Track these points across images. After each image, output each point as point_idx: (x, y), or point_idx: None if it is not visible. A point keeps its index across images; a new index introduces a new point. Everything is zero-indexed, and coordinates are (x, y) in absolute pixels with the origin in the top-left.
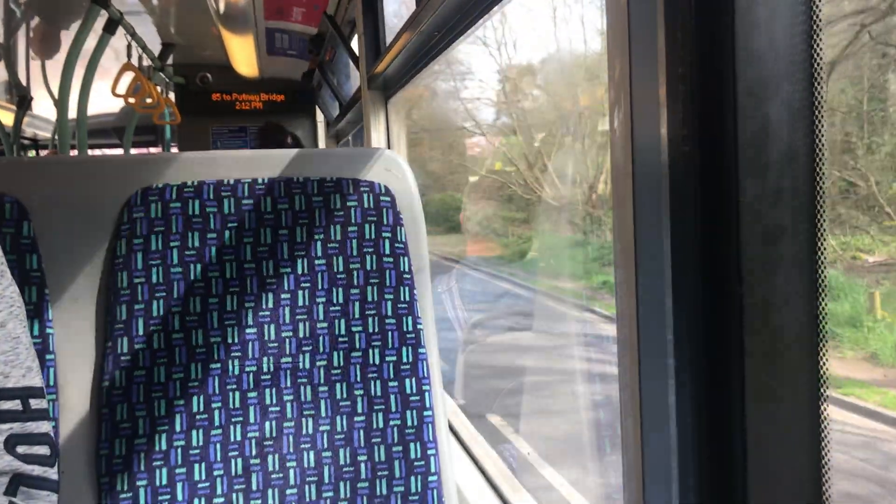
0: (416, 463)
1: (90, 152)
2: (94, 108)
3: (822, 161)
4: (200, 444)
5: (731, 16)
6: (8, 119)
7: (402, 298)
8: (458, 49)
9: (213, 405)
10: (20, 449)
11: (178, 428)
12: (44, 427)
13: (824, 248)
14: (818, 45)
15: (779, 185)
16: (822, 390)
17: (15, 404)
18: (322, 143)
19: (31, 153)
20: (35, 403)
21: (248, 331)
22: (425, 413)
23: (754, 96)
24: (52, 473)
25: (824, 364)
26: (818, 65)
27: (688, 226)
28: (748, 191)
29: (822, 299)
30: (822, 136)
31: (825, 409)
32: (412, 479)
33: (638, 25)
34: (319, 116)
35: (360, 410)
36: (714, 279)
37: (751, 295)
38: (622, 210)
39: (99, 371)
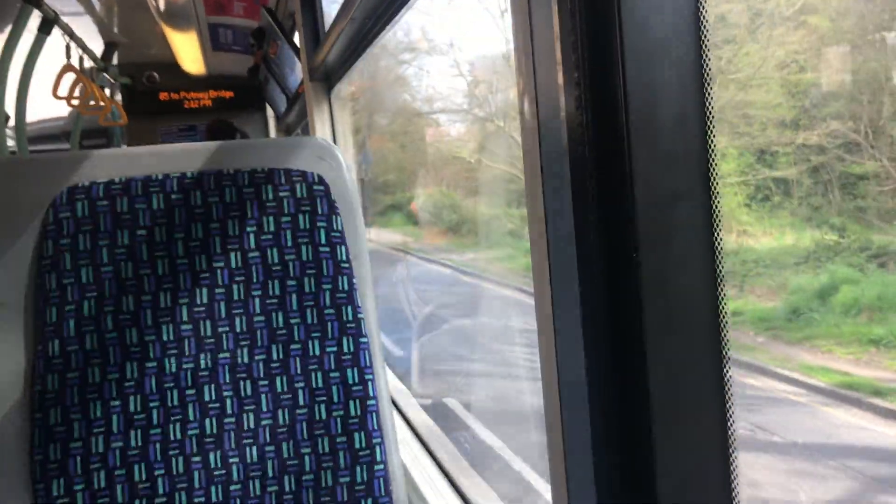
0: (360, 453)
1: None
2: (39, 113)
3: (713, 124)
4: (139, 444)
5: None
6: None
7: (340, 288)
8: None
9: (151, 404)
10: None
11: (115, 429)
12: None
13: (719, 212)
14: (703, 9)
15: (671, 151)
16: (724, 353)
17: None
18: (273, 138)
19: None
20: None
21: (183, 327)
22: (369, 402)
23: (641, 63)
24: None
25: (724, 327)
26: (704, 28)
27: (588, 199)
28: (640, 158)
29: (719, 263)
30: (712, 99)
31: (727, 372)
32: (357, 468)
33: (538, 20)
34: (270, 111)
35: (301, 403)
36: (613, 248)
37: (648, 261)
38: (533, 190)
39: (30, 375)
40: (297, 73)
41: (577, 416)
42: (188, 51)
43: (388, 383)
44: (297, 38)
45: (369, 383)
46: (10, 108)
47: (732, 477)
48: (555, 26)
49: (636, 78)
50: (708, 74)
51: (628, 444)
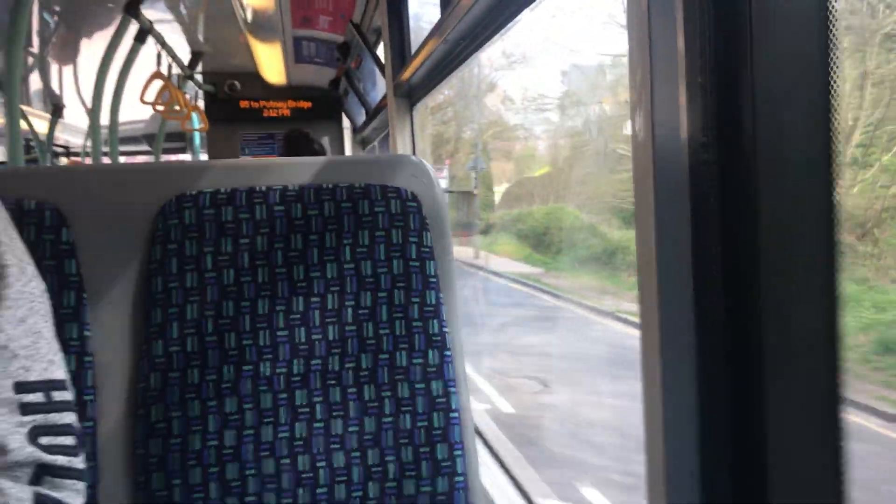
0: (443, 464)
1: (121, 159)
2: (125, 116)
3: (838, 165)
4: (233, 443)
5: (747, 22)
6: (42, 127)
7: (428, 302)
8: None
9: (246, 406)
10: (44, 440)
11: (211, 428)
12: (67, 418)
13: (840, 252)
14: (834, 50)
15: (796, 190)
16: (838, 393)
17: (38, 397)
18: (348, 149)
19: (63, 160)
20: (58, 395)
21: (279, 333)
22: (451, 415)
23: (772, 101)
24: (77, 462)
25: (841, 367)
26: (834, 68)
27: (708, 230)
28: (767, 195)
29: (839, 303)
30: (838, 140)
31: (842, 414)
32: (439, 479)
33: (658, 32)
34: (346, 123)
35: (387, 412)
36: (733, 283)
37: (769, 299)
38: (644, 214)
39: (135, 373)
40: (378, 87)
41: (683, 448)
42: (271, 61)
43: (470, 397)
44: (380, 53)
45: (452, 396)
46: (104, 112)
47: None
48: (678, 34)
49: (767, 115)
50: (836, 116)
51: (739, 482)
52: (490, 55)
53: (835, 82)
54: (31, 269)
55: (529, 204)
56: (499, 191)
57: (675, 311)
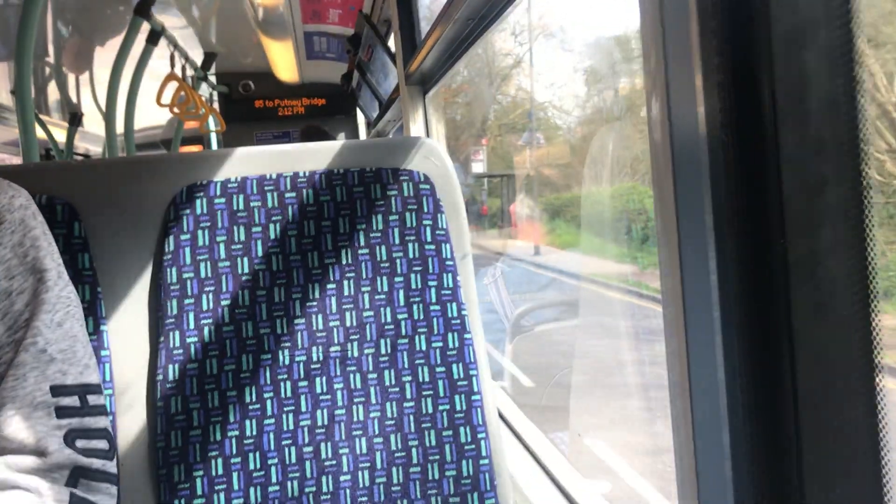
0: (466, 447)
1: None
2: (141, 122)
3: (864, 109)
4: (254, 433)
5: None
6: (61, 136)
7: (445, 285)
8: None
9: (265, 395)
10: (80, 443)
11: (231, 419)
12: (101, 422)
13: (870, 198)
14: (858, 30)
15: (819, 136)
16: (875, 351)
17: (73, 400)
18: None
19: None
20: (93, 399)
21: (296, 321)
22: (473, 397)
23: (790, 42)
24: (110, 466)
25: (876, 320)
26: (858, 50)
27: (728, 186)
28: (788, 142)
29: (871, 251)
30: (862, 84)
31: (881, 378)
32: (464, 462)
33: (671, 15)
34: (360, 118)
35: (409, 396)
36: (757, 235)
37: (795, 249)
38: (661, 182)
39: (153, 365)
40: (390, 78)
41: (712, 421)
42: (283, 59)
43: (492, 380)
44: (391, 43)
45: (474, 379)
46: (119, 115)
47: (885, 481)
48: (692, 18)
49: (784, 57)
50: (859, 58)
51: (773, 451)
52: (515, 26)
53: (859, 65)
54: (65, 273)
55: (579, 186)
56: (537, 174)
57: (700, 307)
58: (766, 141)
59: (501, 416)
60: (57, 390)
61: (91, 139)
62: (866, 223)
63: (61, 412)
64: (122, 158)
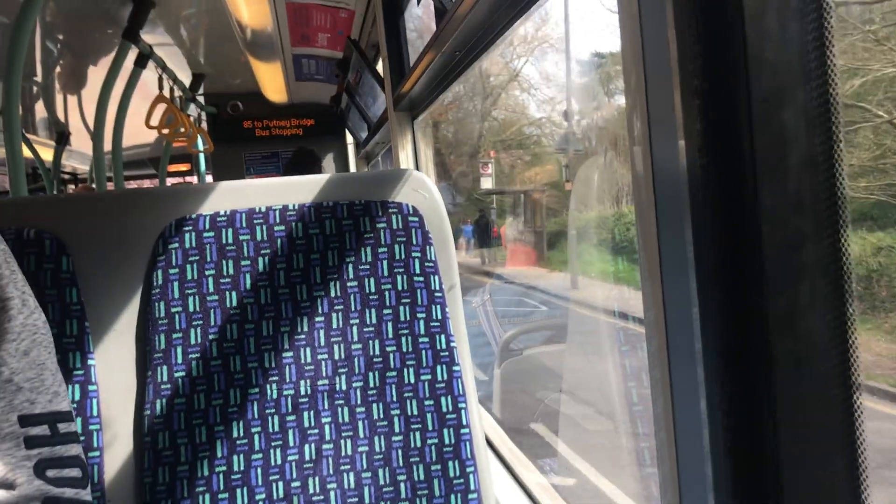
0: (455, 481)
1: (126, 184)
2: (129, 140)
3: (841, 166)
4: (242, 469)
5: (741, 26)
6: (48, 155)
7: (434, 317)
8: None
9: (253, 430)
10: (50, 473)
11: (219, 454)
12: (73, 450)
13: (849, 254)
14: (831, 50)
15: (798, 192)
16: (854, 397)
17: (43, 429)
18: (353, 164)
19: (71, 187)
20: (63, 427)
21: (284, 355)
22: (462, 431)
23: (769, 104)
24: (84, 495)
25: (854, 370)
26: (832, 70)
27: (710, 235)
28: (768, 198)
29: (850, 305)
30: (840, 141)
31: (859, 416)
32: (452, 497)
33: (650, 36)
34: (349, 138)
35: (397, 430)
36: (738, 288)
37: (775, 302)
38: (645, 220)
39: (140, 400)
40: (379, 101)
41: (694, 452)
42: (272, 80)
43: (480, 413)
44: (380, 68)
45: (462, 412)
46: (107, 135)
47: (863, 487)
48: (670, 37)
49: (764, 117)
50: (837, 117)
51: (752, 485)
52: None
53: (833, 79)
54: (32, 301)
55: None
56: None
57: (680, 316)
58: (746, 164)
59: (490, 445)
60: (25, 420)
61: (78, 157)
62: (842, 232)
63: (30, 442)
64: (111, 192)
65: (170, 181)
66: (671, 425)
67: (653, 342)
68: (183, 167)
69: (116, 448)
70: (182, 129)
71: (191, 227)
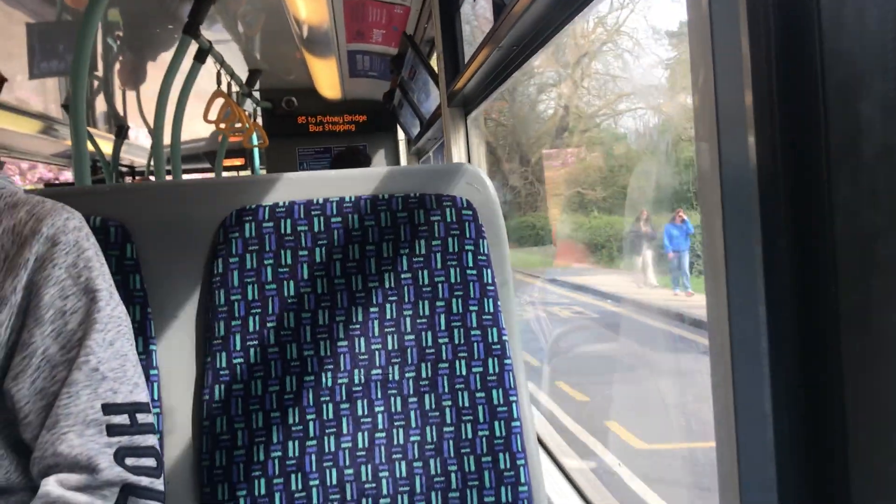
0: (505, 473)
1: (183, 177)
2: (185, 134)
3: None
4: (296, 454)
5: (816, 16)
6: (107, 148)
7: (486, 310)
8: None
9: (308, 417)
10: (129, 461)
11: (274, 440)
12: (150, 440)
13: None
14: None
15: (873, 186)
16: None
17: (124, 419)
18: (403, 161)
19: (129, 180)
20: (142, 418)
21: (339, 344)
22: (513, 423)
23: (843, 96)
24: (158, 484)
25: None
26: None
27: (779, 231)
28: (841, 193)
29: None
30: None
31: None
32: (502, 489)
33: (721, 30)
34: (400, 134)
35: (448, 421)
36: (808, 283)
37: (847, 297)
38: (710, 216)
39: (199, 385)
40: (432, 97)
41: (757, 451)
42: (326, 76)
43: (531, 406)
44: (434, 64)
45: (513, 405)
46: (166, 130)
47: None
48: (742, 38)
49: (838, 109)
50: None
51: (820, 483)
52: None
53: None
54: (116, 294)
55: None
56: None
57: (746, 312)
58: (819, 157)
59: (540, 442)
60: (108, 408)
61: (136, 151)
62: None
63: (112, 430)
64: (174, 182)
65: (224, 175)
66: (732, 423)
67: (716, 340)
68: (237, 161)
69: (176, 432)
70: (238, 125)
71: (251, 218)
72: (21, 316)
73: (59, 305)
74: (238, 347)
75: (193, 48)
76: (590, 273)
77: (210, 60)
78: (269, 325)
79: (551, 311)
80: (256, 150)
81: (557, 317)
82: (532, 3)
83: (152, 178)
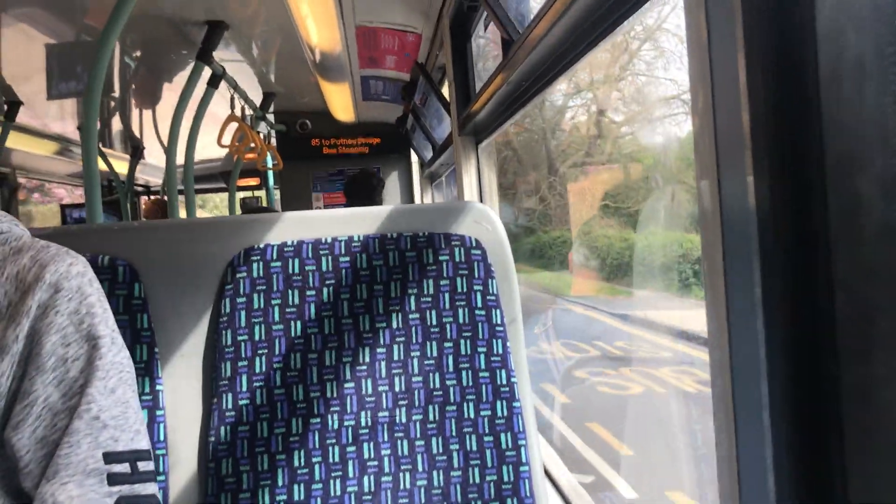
0: None
1: (197, 196)
2: (200, 155)
3: None
4: (302, 498)
5: (813, 51)
6: (123, 168)
7: (494, 351)
8: None
9: (314, 459)
10: None
11: (280, 483)
12: (150, 489)
13: None
14: None
15: (875, 224)
16: None
17: (124, 467)
18: (416, 184)
19: (143, 199)
20: (142, 466)
21: (346, 385)
22: (521, 468)
23: (844, 130)
24: None
25: None
26: None
27: (779, 268)
28: (841, 231)
29: None
30: None
31: None
32: None
33: (719, 62)
34: (414, 157)
35: (456, 465)
36: (811, 351)
37: (847, 332)
38: (711, 252)
39: (205, 426)
40: (444, 123)
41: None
42: (340, 100)
43: (541, 450)
44: (445, 91)
45: (522, 449)
46: (180, 151)
47: None
48: (740, 65)
49: (834, 113)
50: None
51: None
52: None
53: None
54: (119, 338)
55: None
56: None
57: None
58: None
59: (548, 476)
60: (109, 457)
61: (151, 171)
62: None
63: (113, 479)
64: (182, 220)
65: (239, 195)
66: (733, 439)
67: (715, 354)
68: (252, 181)
69: (180, 473)
70: (253, 144)
71: (258, 257)
72: (23, 364)
73: (60, 353)
74: (244, 388)
75: (207, 73)
76: (656, 303)
77: (223, 85)
78: (275, 365)
79: (663, 381)
80: (271, 172)
81: (686, 394)
82: (545, 35)
83: (167, 197)
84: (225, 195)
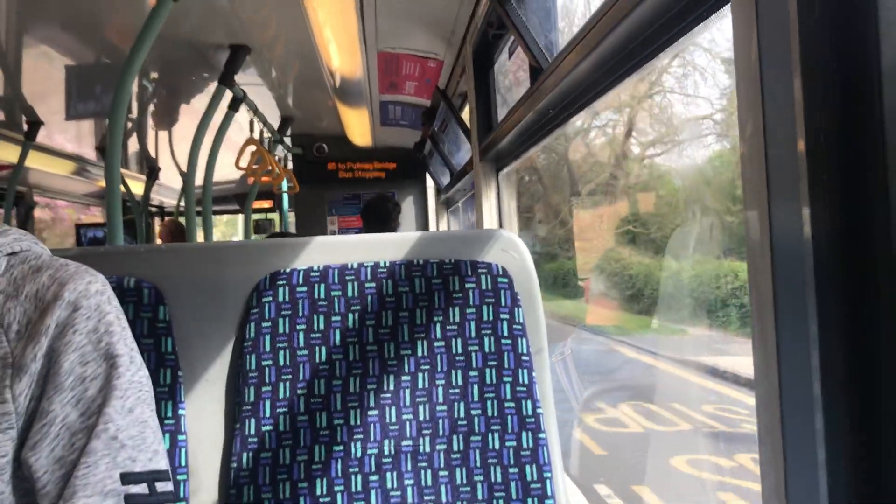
0: None
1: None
2: (216, 176)
3: None
4: None
5: (880, 116)
6: (138, 188)
7: (520, 381)
8: None
9: (336, 488)
10: None
11: None
12: None
13: None
14: None
15: None
16: None
17: (142, 488)
18: (431, 210)
19: (157, 220)
20: (161, 486)
21: (369, 413)
22: (546, 502)
23: None
24: None
25: None
26: None
27: (838, 316)
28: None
29: None
30: None
31: None
32: None
33: (771, 83)
34: (429, 182)
35: (480, 497)
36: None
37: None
38: (761, 291)
39: (227, 452)
40: (463, 150)
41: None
42: (357, 125)
43: (566, 483)
44: (466, 117)
45: (547, 482)
46: (199, 176)
47: None
48: (795, 85)
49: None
50: None
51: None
52: None
53: None
54: (138, 357)
55: None
56: None
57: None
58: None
59: None
60: (126, 478)
61: (166, 192)
62: None
63: (130, 500)
64: (208, 244)
65: (254, 217)
66: (779, 439)
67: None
68: (266, 204)
69: (202, 498)
70: (270, 168)
71: (284, 282)
72: (41, 383)
73: (78, 372)
74: (267, 414)
75: (227, 96)
76: (725, 347)
77: (243, 108)
78: (299, 391)
79: None
80: (286, 195)
81: None
82: (576, 66)
83: (182, 219)
84: (226, 217)
